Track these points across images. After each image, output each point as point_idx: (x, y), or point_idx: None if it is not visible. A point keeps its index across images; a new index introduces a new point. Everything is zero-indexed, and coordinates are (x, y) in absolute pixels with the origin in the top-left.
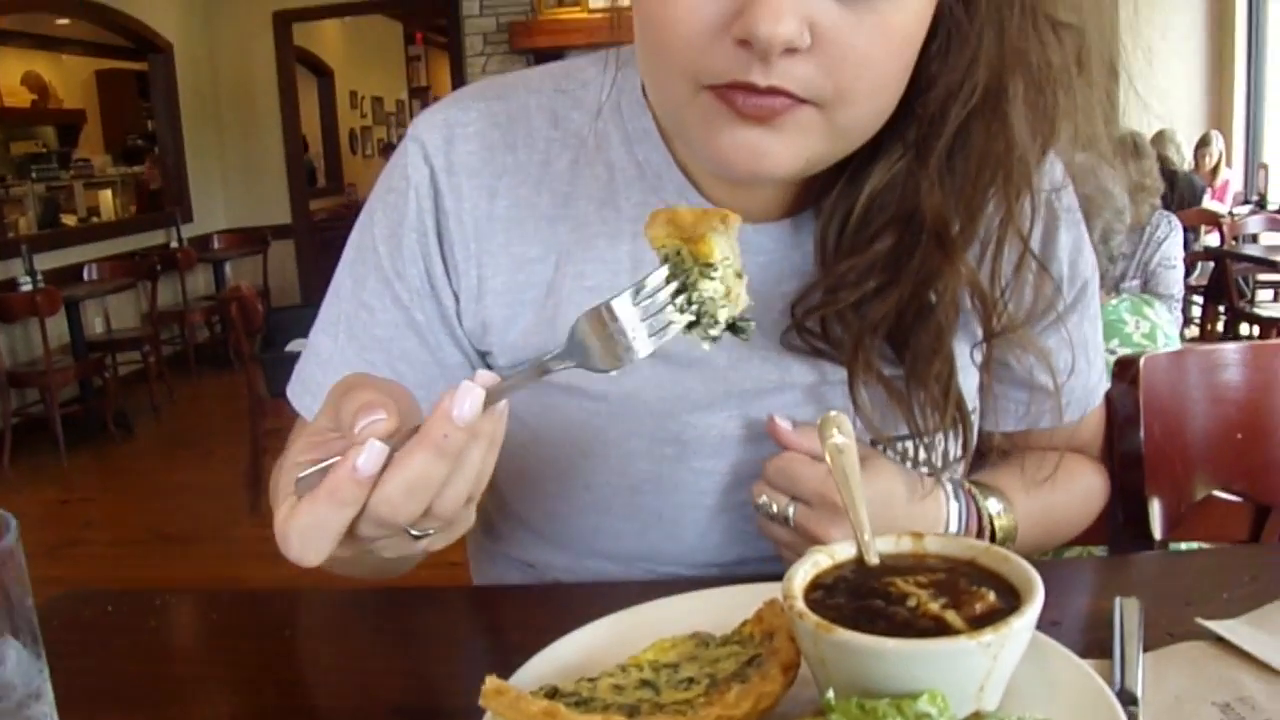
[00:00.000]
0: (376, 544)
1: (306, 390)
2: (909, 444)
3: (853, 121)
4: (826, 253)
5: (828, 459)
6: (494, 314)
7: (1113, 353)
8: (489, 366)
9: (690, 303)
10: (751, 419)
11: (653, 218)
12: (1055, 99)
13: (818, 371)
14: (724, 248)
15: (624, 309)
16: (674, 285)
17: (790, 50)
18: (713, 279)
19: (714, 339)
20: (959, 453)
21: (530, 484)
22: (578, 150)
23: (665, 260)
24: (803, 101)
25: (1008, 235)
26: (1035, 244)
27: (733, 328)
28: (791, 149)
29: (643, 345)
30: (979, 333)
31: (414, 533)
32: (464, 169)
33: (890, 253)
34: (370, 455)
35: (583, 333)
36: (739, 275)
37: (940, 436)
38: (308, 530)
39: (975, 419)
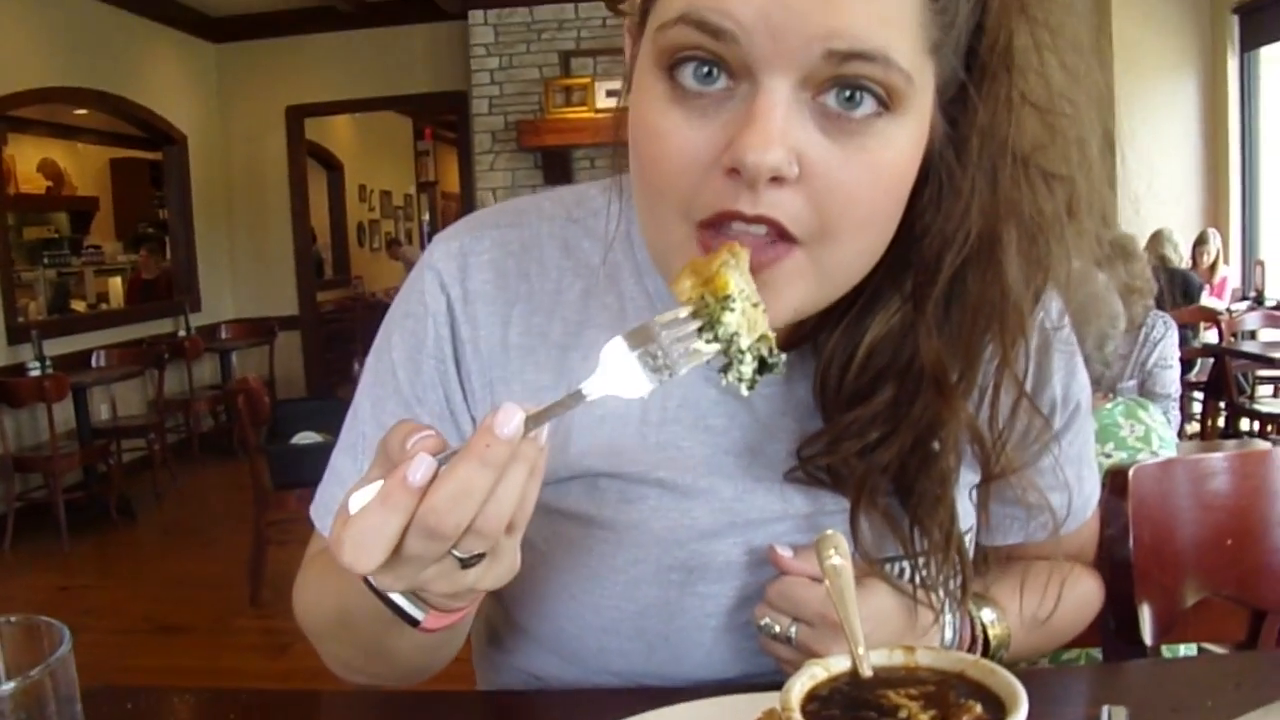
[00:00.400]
0: (425, 577)
1: (328, 511)
2: (904, 564)
3: (838, 260)
4: (827, 399)
5: (825, 579)
6: None
7: (1108, 456)
8: None
9: (716, 338)
10: (755, 545)
11: (678, 275)
12: (1048, 247)
13: (819, 502)
14: (738, 280)
15: (653, 331)
16: (699, 322)
17: (777, 180)
18: (732, 310)
19: (750, 384)
20: (954, 576)
21: (538, 604)
22: (589, 280)
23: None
24: (789, 241)
25: (1004, 380)
26: (1030, 375)
27: (763, 366)
28: (781, 300)
29: (679, 365)
30: (977, 470)
31: (459, 555)
32: (479, 297)
33: (891, 402)
34: (420, 466)
35: (614, 358)
36: (755, 305)
37: (935, 566)
38: (361, 535)
39: (971, 537)
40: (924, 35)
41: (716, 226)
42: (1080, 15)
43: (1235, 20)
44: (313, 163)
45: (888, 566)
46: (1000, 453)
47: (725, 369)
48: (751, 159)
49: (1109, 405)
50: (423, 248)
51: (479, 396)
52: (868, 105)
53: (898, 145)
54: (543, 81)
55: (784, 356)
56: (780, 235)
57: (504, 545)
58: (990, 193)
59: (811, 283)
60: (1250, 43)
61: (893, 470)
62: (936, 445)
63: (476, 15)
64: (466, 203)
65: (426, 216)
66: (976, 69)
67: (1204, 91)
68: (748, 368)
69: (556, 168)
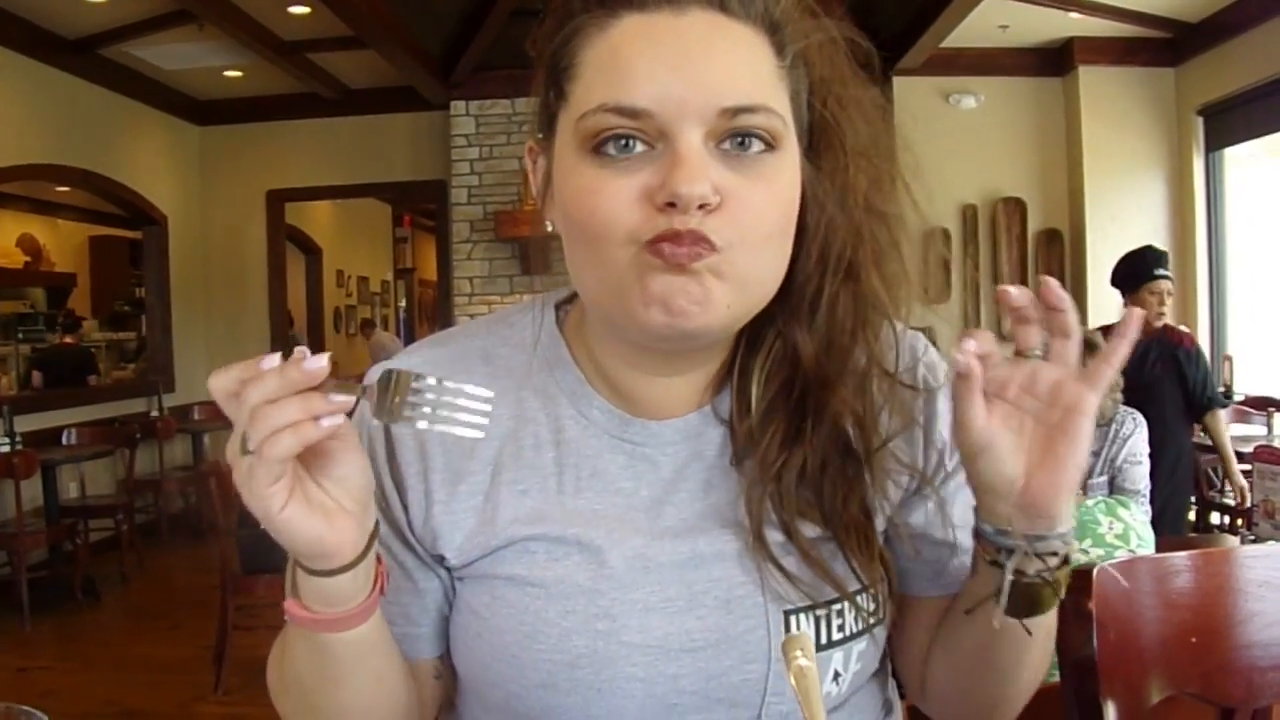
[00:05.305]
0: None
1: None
2: (832, 608)
3: (751, 265)
4: (737, 438)
5: (792, 680)
6: (441, 521)
7: (1085, 552)
8: (446, 569)
9: None
10: (670, 594)
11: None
12: (890, 269)
13: (724, 542)
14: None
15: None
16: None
17: (703, 207)
18: None
19: None
20: (883, 605)
21: (484, 670)
22: (505, 379)
23: None
24: (714, 250)
25: (873, 368)
26: (919, 417)
27: None
28: (713, 293)
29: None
30: (891, 496)
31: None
32: None
33: (790, 415)
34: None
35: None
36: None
37: (863, 595)
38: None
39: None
40: (784, 86)
41: (660, 243)
42: (870, 98)
43: (1200, 122)
44: (291, 247)
45: (820, 614)
46: (875, 424)
47: None
48: (684, 190)
49: (1089, 502)
50: (399, 334)
51: (410, 485)
52: (757, 146)
53: (785, 175)
54: (522, 172)
55: None
56: (708, 247)
57: (272, 466)
58: (848, 223)
59: (733, 281)
60: (1214, 143)
61: (808, 491)
62: (842, 446)
63: (458, 106)
64: (444, 290)
65: (403, 303)
66: (816, 122)
67: (1171, 190)
68: None
69: (533, 258)
